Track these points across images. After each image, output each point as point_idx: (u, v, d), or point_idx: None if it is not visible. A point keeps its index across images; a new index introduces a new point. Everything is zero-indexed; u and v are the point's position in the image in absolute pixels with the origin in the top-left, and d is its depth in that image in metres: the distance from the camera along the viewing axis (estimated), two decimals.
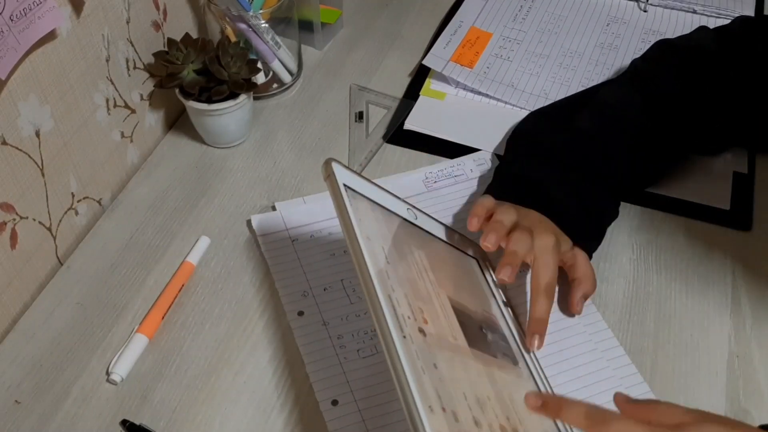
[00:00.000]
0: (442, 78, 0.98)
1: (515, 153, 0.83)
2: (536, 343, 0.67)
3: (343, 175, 0.62)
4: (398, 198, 0.69)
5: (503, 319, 0.70)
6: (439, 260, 0.69)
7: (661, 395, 0.67)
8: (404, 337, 0.54)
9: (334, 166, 0.61)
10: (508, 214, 0.69)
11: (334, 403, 0.66)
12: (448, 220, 0.80)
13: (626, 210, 0.81)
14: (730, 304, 0.74)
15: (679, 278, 0.76)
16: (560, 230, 0.72)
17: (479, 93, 0.96)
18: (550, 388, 0.66)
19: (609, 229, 0.78)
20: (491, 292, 0.72)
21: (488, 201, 0.71)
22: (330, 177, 0.60)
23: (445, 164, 0.87)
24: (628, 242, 0.79)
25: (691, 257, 0.78)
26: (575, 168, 0.76)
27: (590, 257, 0.73)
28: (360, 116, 0.93)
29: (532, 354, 0.68)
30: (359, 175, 0.65)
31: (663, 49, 0.87)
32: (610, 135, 0.78)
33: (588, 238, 0.74)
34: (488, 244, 0.67)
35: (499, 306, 0.71)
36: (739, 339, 0.71)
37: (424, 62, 0.98)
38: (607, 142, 0.78)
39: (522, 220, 0.70)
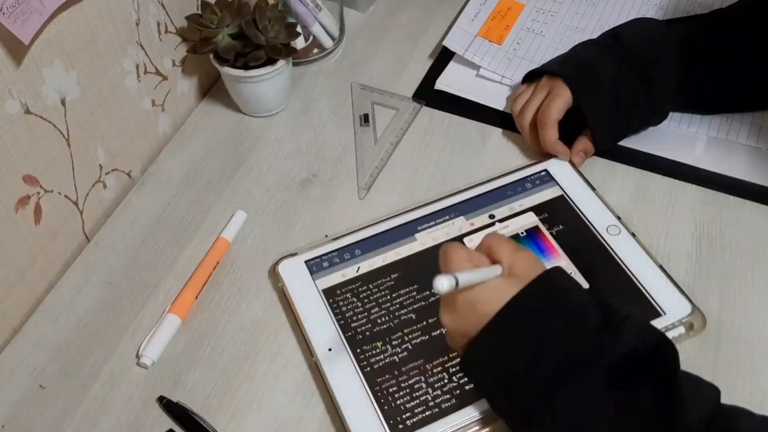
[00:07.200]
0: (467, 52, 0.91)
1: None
2: (564, 154, 0.78)
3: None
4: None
5: None
6: None
7: (724, 378, 0.63)
8: None
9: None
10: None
11: None
12: None
13: (688, 186, 0.79)
14: None
15: (744, 257, 0.72)
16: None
17: (501, 81, 0.89)
18: None
19: (671, 203, 0.77)
20: None
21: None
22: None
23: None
24: (690, 217, 0.76)
25: (758, 234, 0.74)
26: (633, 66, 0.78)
27: (598, 147, 0.80)
28: (365, 119, 0.87)
29: None
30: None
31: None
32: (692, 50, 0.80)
33: (607, 128, 0.79)
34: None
35: None
36: None
37: (445, 43, 0.91)
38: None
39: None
